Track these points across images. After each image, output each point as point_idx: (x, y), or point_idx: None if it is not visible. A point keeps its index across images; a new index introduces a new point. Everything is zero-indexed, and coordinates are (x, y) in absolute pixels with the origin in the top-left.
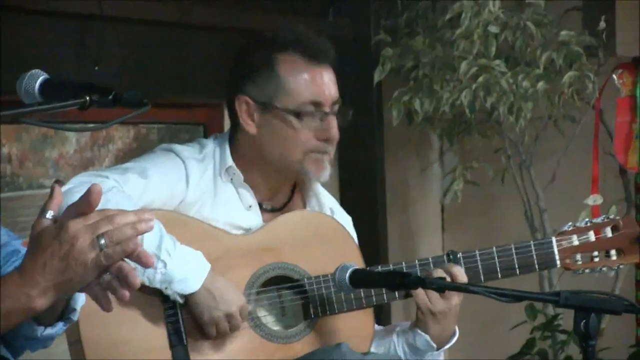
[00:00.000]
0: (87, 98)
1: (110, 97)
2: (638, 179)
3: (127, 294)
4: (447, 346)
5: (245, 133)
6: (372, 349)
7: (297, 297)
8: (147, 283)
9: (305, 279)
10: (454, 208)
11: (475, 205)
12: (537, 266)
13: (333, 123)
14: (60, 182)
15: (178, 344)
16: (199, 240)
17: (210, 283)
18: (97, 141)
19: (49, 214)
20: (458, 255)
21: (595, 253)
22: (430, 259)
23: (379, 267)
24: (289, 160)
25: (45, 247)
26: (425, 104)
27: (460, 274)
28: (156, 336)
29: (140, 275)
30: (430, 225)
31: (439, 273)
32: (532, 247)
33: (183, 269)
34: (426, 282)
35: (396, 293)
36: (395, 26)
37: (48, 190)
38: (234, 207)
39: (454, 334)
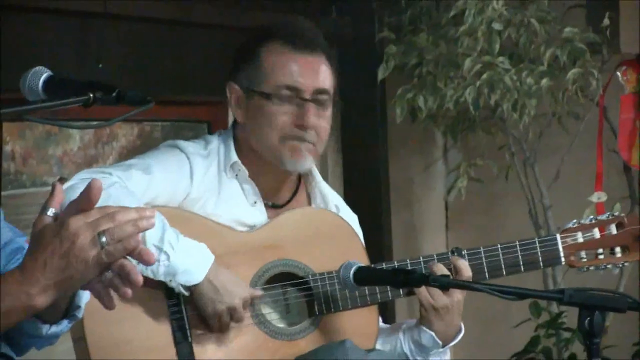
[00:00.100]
0: (91, 95)
1: (114, 94)
2: None
3: (129, 291)
4: (453, 343)
5: (239, 124)
6: (379, 347)
7: (301, 295)
8: (151, 276)
9: (310, 276)
10: (457, 205)
11: (479, 203)
12: (541, 263)
13: (311, 110)
14: (63, 180)
15: (182, 340)
16: (203, 237)
17: (214, 275)
18: (101, 138)
19: (50, 212)
20: (463, 252)
21: (600, 250)
22: (434, 256)
23: (383, 264)
24: (266, 146)
25: (46, 245)
26: (429, 101)
27: (465, 267)
28: (160, 333)
29: (143, 269)
30: (434, 223)
31: (440, 268)
32: (537, 244)
33: (186, 261)
34: (430, 280)
35: (400, 290)
36: (399, 23)
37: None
38: (239, 203)
39: (459, 331)
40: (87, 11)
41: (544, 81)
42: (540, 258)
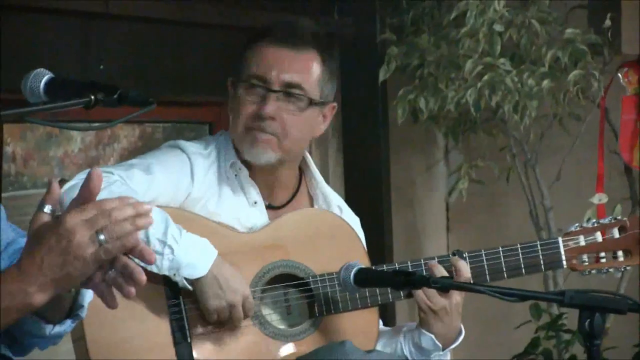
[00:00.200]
0: (92, 97)
1: (116, 96)
2: None
3: (133, 290)
4: (454, 345)
5: None
6: (379, 349)
7: (302, 296)
8: (155, 270)
9: (311, 278)
10: (459, 206)
11: (481, 204)
12: (543, 266)
13: (270, 101)
14: (64, 182)
15: (182, 341)
16: (204, 237)
17: (217, 269)
18: (102, 140)
19: (47, 209)
20: (464, 255)
21: (602, 254)
22: (436, 258)
23: (384, 266)
24: (235, 136)
25: (43, 243)
26: (431, 103)
27: (464, 268)
28: (160, 333)
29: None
30: (435, 224)
31: (440, 270)
32: (539, 247)
33: (190, 254)
34: (430, 281)
35: (400, 292)
36: (401, 25)
37: None
38: (239, 203)
39: (459, 333)
40: (88, 11)
41: (545, 82)
42: (542, 261)
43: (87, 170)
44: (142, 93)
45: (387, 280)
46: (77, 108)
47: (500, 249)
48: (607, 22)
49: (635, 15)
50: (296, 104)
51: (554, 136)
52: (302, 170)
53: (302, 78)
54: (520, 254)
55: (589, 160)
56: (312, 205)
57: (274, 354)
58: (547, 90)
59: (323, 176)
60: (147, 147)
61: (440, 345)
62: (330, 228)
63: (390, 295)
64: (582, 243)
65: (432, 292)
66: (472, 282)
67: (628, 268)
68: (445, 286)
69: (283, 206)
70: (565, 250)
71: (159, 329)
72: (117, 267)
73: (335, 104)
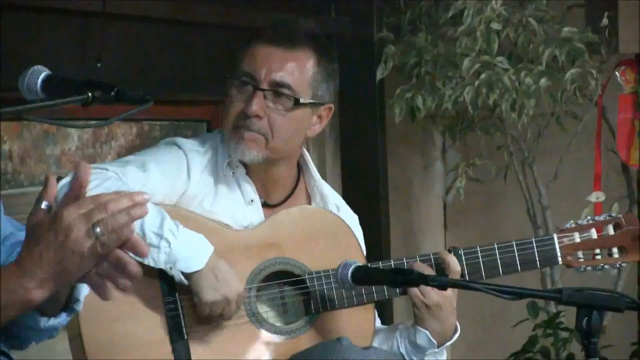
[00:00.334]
0: (90, 94)
1: (113, 93)
2: None
3: (128, 283)
4: (449, 343)
5: None
6: (376, 346)
7: (298, 293)
8: (152, 264)
9: (306, 275)
10: (456, 205)
11: (478, 203)
12: (538, 263)
13: (256, 99)
14: (61, 179)
15: (178, 338)
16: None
17: (214, 264)
18: (99, 138)
19: (44, 204)
20: (459, 252)
21: (597, 251)
22: (431, 254)
23: (379, 263)
24: (226, 134)
25: (41, 238)
26: (428, 101)
27: (453, 262)
28: (156, 331)
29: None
30: (433, 223)
31: (422, 267)
32: (534, 244)
33: (187, 248)
34: (428, 280)
35: (397, 289)
36: (398, 24)
37: None
38: (235, 201)
39: (455, 331)
40: (87, 10)
41: (543, 81)
42: (537, 258)
43: None
44: (140, 91)
45: (385, 279)
46: (74, 106)
47: (495, 245)
48: (605, 21)
49: (633, 14)
50: (284, 104)
51: (551, 135)
52: (301, 168)
53: (291, 78)
54: (516, 251)
55: (587, 158)
56: (309, 204)
57: (270, 351)
58: (545, 88)
59: (320, 174)
60: (145, 145)
61: (435, 342)
62: (326, 225)
63: (386, 292)
64: (577, 240)
65: (426, 287)
66: (464, 277)
67: (623, 265)
68: (443, 284)
69: (280, 204)
70: (560, 247)
71: (155, 326)
72: (112, 259)
73: (331, 106)
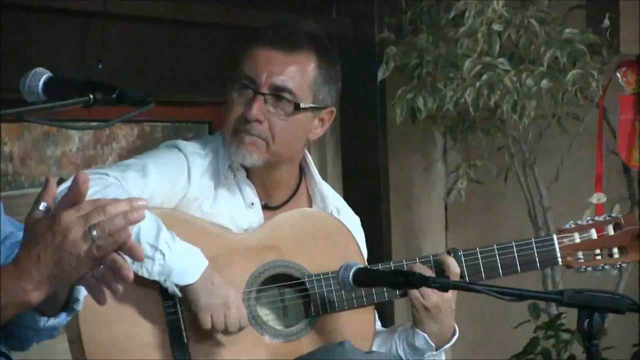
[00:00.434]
0: (91, 96)
1: (114, 95)
2: None
3: (120, 288)
4: (447, 345)
5: None
6: (374, 349)
7: (298, 296)
8: (146, 275)
9: (306, 277)
10: (457, 206)
11: (479, 204)
12: (538, 264)
13: (256, 104)
14: (62, 181)
15: (178, 341)
16: (199, 238)
17: (207, 277)
18: (100, 139)
19: (42, 206)
20: (459, 253)
21: (597, 251)
22: (430, 256)
23: (379, 265)
24: (227, 138)
25: (39, 239)
26: (429, 102)
27: (452, 264)
28: (156, 334)
29: (139, 268)
30: (434, 224)
31: (422, 269)
32: (534, 245)
33: (182, 261)
34: (429, 281)
35: (397, 291)
36: (399, 24)
37: None
38: (236, 204)
39: (454, 333)
40: (87, 11)
41: (544, 82)
42: (537, 259)
43: (83, 172)
44: (141, 92)
45: (386, 281)
46: (75, 107)
47: (495, 246)
48: (606, 22)
49: (634, 15)
50: (284, 108)
51: (552, 136)
52: (303, 169)
53: (292, 82)
54: (515, 252)
55: (588, 160)
56: (311, 206)
57: (270, 354)
58: (546, 90)
59: (321, 176)
60: (146, 146)
61: (433, 345)
62: (325, 228)
63: (385, 294)
64: (577, 240)
65: (425, 288)
66: (464, 278)
67: (624, 265)
68: (445, 286)
69: (281, 206)
70: (560, 248)
71: (156, 329)
72: (107, 262)
73: (333, 109)
